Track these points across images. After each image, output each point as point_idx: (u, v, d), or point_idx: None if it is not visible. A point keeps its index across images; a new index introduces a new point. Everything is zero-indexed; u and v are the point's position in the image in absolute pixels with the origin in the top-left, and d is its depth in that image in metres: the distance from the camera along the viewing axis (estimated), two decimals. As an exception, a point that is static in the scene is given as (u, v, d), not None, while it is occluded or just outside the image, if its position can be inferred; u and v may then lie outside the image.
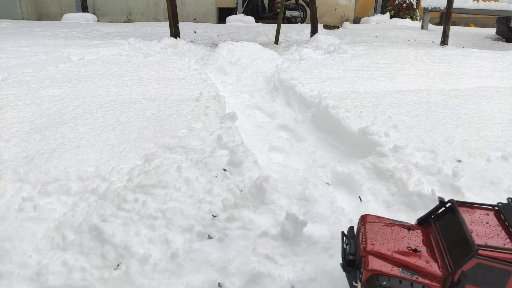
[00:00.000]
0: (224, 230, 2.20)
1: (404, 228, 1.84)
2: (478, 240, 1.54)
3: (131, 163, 2.81)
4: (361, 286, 1.65)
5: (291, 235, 2.17)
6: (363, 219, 1.90)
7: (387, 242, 1.72)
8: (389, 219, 1.92)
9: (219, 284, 1.97)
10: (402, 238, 1.77)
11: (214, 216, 2.31)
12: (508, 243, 1.54)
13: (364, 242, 1.73)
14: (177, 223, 2.26)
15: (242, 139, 3.26)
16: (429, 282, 1.54)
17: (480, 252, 1.48)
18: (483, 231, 1.62)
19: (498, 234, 1.61)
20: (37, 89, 4.26)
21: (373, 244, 1.70)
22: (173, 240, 2.17)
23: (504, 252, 1.49)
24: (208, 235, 2.20)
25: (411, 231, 1.81)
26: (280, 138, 3.80)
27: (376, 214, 2.01)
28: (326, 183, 2.86)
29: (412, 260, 1.63)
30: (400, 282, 1.54)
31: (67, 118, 3.51)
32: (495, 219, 1.69)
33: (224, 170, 2.68)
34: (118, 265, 2.04)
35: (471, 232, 1.58)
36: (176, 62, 5.83)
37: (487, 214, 1.73)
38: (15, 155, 2.84)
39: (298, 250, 2.15)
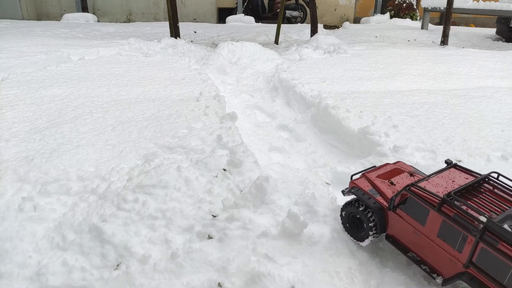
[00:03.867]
0: (224, 230, 2.20)
1: (408, 172, 2.27)
2: (421, 184, 1.95)
3: (131, 163, 2.81)
4: (345, 192, 2.32)
5: (292, 234, 2.17)
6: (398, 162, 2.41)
7: (383, 174, 2.26)
8: (414, 168, 2.32)
9: (219, 284, 1.96)
10: (397, 175, 2.24)
11: (214, 216, 2.31)
12: (441, 192, 1.87)
13: (368, 170, 2.33)
14: (177, 223, 2.26)
15: (242, 139, 3.26)
16: (382, 201, 2.07)
17: (411, 188, 1.92)
18: (439, 183, 1.97)
19: (447, 186, 1.94)
20: (37, 89, 4.26)
21: (370, 172, 2.29)
22: (173, 240, 2.17)
23: (429, 195, 1.85)
24: (208, 235, 2.20)
25: (411, 177, 2.23)
26: (280, 138, 3.80)
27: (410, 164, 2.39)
28: (326, 183, 2.86)
29: (383, 187, 2.15)
30: (363, 194, 2.15)
31: (67, 118, 3.51)
32: (465, 181, 1.98)
33: (224, 170, 2.68)
34: (118, 265, 2.04)
35: (425, 178, 2.00)
36: (176, 62, 5.83)
37: (466, 178, 2.03)
38: (15, 155, 2.84)
39: (298, 250, 2.15)
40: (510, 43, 9.34)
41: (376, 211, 2.05)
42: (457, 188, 1.84)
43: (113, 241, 2.12)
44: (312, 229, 2.25)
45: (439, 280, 1.86)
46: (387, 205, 2.04)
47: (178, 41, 7.38)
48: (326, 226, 2.32)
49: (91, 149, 2.97)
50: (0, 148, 2.92)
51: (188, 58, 6.17)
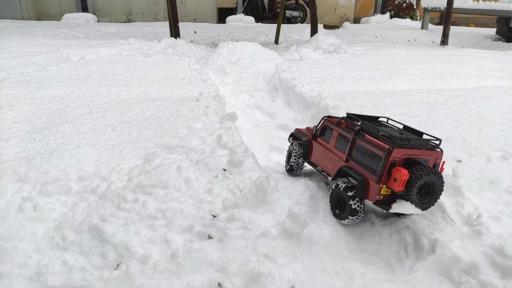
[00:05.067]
0: (224, 230, 2.20)
1: None
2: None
3: (131, 163, 2.81)
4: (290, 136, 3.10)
5: (292, 234, 2.17)
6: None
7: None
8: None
9: (219, 284, 1.97)
10: None
11: (214, 216, 2.31)
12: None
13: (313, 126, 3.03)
14: (177, 223, 2.26)
15: (242, 139, 3.26)
16: (309, 136, 2.88)
17: (326, 117, 2.75)
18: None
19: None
20: (37, 89, 4.27)
21: (308, 127, 3.09)
22: (173, 240, 2.17)
23: (335, 120, 2.67)
24: (208, 235, 2.20)
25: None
26: (280, 138, 3.80)
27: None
28: (326, 183, 2.86)
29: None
30: (299, 133, 3.01)
31: (67, 118, 3.51)
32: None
33: (224, 170, 2.68)
34: (118, 265, 2.04)
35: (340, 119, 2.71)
36: (176, 62, 5.83)
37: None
38: (15, 155, 2.84)
39: (298, 250, 2.15)
40: (510, 43, 9.34)
41: (304, 142, 2.88)
42: (353, 113, 2.63)
43: (113, 241, 2.12)
44: (312, 229, 2.25)
45: (329, 178, 2.57)
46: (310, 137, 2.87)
47: (178, 41, 7.38)
48: (326, 226, 2.32)
49: (91, 149, 2.97)
50: (0, 148, 2.92)
51: (188, 58, 6.17)
